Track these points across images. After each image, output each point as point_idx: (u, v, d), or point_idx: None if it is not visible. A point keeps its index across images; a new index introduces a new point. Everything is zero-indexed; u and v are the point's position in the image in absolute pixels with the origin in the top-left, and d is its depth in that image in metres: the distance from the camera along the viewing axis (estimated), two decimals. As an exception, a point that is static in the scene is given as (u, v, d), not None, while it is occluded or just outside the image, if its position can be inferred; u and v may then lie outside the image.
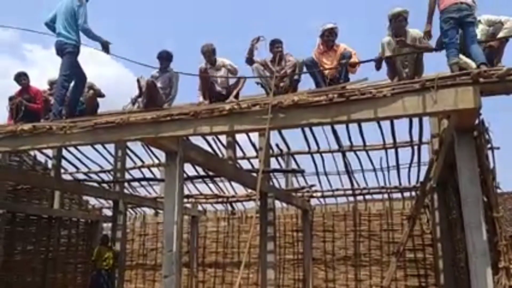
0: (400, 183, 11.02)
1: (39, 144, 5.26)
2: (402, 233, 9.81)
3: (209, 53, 6.32)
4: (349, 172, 10.88)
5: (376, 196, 12.03)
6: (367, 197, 12.07)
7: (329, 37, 5.75)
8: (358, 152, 10.17)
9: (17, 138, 5.21)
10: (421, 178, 8.89)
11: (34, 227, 10.68)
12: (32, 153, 10.62)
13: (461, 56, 4.64)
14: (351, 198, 12.26)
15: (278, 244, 11.51)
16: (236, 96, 6.13)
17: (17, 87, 7.08)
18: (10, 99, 6.99)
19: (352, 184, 11.33)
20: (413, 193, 11.13)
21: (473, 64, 4.49)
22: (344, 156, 10.32)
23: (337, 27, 5.78)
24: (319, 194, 11.87)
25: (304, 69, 5.96)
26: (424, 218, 10.83)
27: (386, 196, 11.83)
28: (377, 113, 3.85)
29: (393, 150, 9.84)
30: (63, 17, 5.92)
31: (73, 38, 5.89)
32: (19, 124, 5.62)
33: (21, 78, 7.01)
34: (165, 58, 6.70)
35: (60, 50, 5.95)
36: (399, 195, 11.77)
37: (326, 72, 5.67)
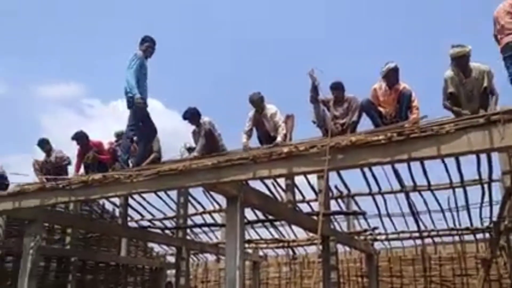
0: (471, 224, 10.37)
1: (108, 193, 5.54)
2: (477, 279, 9.14)
3: (258, 102, 6.61)
4: (414, 214, 10.40)
5: (445, 239, 11.41)
6: (436, 239, 11.46)
7: (392, 77, 5.69)
8: (422, 192, 9.74)
9: (88, 187, 5.54)
10: (495, 218, 8.34)
11: (103, 274, 11.03)
12: (100, 202, 11.14)
13: None
14: (418, 241, 11.68)
15: (343, 290, 11.09)
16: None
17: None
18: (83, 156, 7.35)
19: (418, 226, 10.79)
20: (487, 235, 10.42)
21: None
22: (407, 196, 9.92)
23: (397, 65, 5.71)
24: (383, 237, 11.42)
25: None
26: (501, 261, 10.04)
27: (457, 238, 11.17)
28: (440, 150, 3.72)
29: (461, 189, 9.37)
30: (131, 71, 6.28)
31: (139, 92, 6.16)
32: (90, 175, 5.97)
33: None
34: (193, 116, 6.84)
35: (129, 102, 6.22)
36: (471, 237, 11.07)
37: (384, 112, 5.60)
